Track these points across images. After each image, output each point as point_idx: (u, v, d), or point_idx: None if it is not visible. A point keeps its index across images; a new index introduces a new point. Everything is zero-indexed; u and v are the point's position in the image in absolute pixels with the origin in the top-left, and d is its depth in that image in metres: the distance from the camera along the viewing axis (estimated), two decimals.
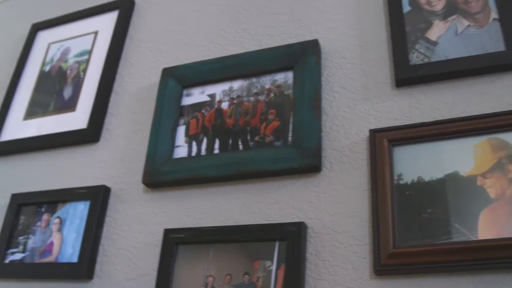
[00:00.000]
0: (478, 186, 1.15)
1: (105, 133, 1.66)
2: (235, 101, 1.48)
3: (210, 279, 1.28)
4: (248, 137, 1.41)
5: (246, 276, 1.25)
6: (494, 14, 1.34)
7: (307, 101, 1.36)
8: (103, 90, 1.70)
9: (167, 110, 1.53)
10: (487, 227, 1.11)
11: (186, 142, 1.49)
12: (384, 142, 1.25)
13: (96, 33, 1.87)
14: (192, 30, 1.73)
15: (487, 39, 1.31)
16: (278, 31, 1.58)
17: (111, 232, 1.49)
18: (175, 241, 1.35)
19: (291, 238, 1.23)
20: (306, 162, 1.29)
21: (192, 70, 1.57)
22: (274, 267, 1.23)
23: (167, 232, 1.37)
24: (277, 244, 1.25)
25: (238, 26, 1.65)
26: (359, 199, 1.25)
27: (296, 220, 1.28)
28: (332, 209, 1.26)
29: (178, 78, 1.58)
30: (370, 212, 1.22)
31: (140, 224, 1.46)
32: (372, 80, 1.38)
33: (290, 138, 1.35)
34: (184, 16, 1.77)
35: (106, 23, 1.86)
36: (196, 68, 1.57)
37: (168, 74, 1.59)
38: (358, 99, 1.37)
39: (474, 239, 1.10)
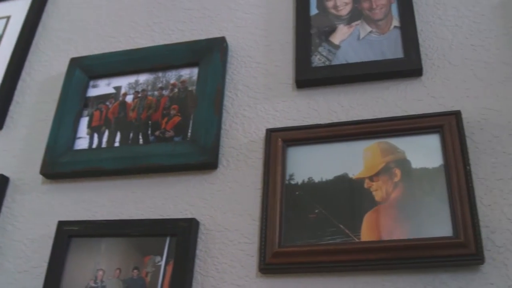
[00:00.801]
0: (365, 189, 1.17)
1: (8, 121, 1.61)
2: (139, 95, 1.46)
3: (100, 273, 1.26)
4: (149, 132, 1.39)
5: (135, 270, 1.23)
6: (395, 22, 1.37)
7: (208, 98, 1.36)
8: (10, 77, 1.65)
9: (71, 101, 1.50)
10: (369, 229, 1.13)
11: (88, 133, 1.46)
12: (279, 142, 1.26)
13: (8, 18, 1.81)
14: (105, 20, 1.70)
15: (386, 46, 1.34)
16: (188, 27, 1.57)
17: (6, 223, 1.44)
18: (68, 234, 1.32)
19: (181, 234, 1.22)
20: (202, 158, 1.29)
21: (100, 61, 1.55)
22: (163, 263, 1.22)
23: (61, 225, 1.34)
24: (167, 240, 1.24)
25: (151, 19, 1.63)
26: (252, 198, 1.25)
27: (189, 216, 1.27)
28: (225, 206, 1.26)
29: (85, 69, 1.55)
30: (261, 211, 1.22)
31: (36, 215, 1.42)
32: (274, 80, 1.39)
33: (189, 134, 1.34)
34: (99, 6, 1.74)
35: (20, 8, 1.81)
36: (103, 60, 1.55)
37: (76, 64, 1.56)
38: (259, 98, 1.38)
39: (357, 240, 1.12)
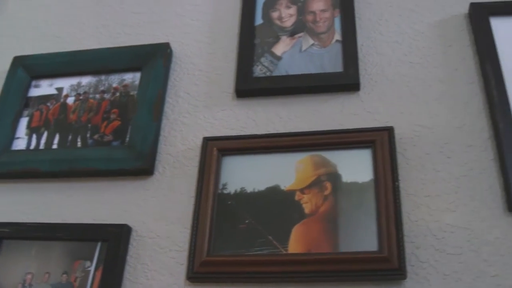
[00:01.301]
0: (296, 201, 1.18)
1: None
2: (81, 97, 1.45)
3: (29, 276, 1.24)
4: (88, 135, 1.38)
5: (64, 275, 1.22)
6: (337, 36, 1.38)
7: (148, 104, 1.36)
8: None
9: (12, 100, 1.48)
10: (297, 241, 1.14)
11: (26, 134, 1.44)
12: (214, 151, 1.26)
13: None
14: (53, 20, 1.68)
15: (327, 59, 1.35)
16: (136, 31, 1.56)
17: None
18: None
19: (112, 239, 1.22)
20: (137, 164, 1.29)
21: (43, 61, 1.53)
22: (92, 268, 1.21)
23: None
24: (99, 245, 1.23)
25: (99, 21, 1.62)
26: (185, 206, 1.25)
27: (123, 222, 1.27)
28: (159, 213, 1.26)
29: (28, 68, 1.53)
30: (192, 219, 1.22)
31: None
32: (215, 88, 1.40)
33: (127, 139, 1.34)
34: (48, 5, 1.73)
35: None
36: (47, 60, 1.53)
37: (18, 63, 1.54)
38: (199, 106, 1.38)
39: (284, 252, 1.13)
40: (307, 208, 1.17)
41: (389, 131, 1.22)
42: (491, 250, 1.11)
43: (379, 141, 1.20)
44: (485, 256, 1.11)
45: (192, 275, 1.15)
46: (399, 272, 1.07)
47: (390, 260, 1.08)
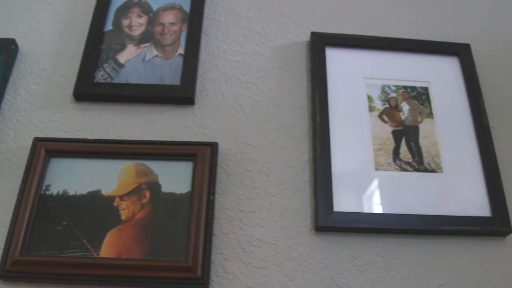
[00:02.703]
0: (114, 207, 1.22)
1: None
2: None
3: None
4: None
5: None
6: (181, 50, 1.44)
7: None
8: None
9: None
10: (110, 246, 1.18)
11: None
12: (42, 151, 1.28)
13: None
14: None
15: (168, 71, 1.40)
16: None
17: None
18: None
19: None
20: None
21: None
22: None
23: None
24: None
25: None
26: (8, 204, 1.26)
27: None
28: None
29: None
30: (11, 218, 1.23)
31: None
32: (56, 89, 1.41)
33: None
34: None
35: None
36: None
37: None
38: (37, 105, 1.39)
39: (96, 256, 1.17)
40: (124, 214, 1.21)
41: (212, 146, 1.28)
42: (294, 266, 1.20)
43: (200, 155, 1.27)
44: (288, 271, 1.20)
45: (3, 274, 1.16)
46: (201, 281, 1.14)
47: (193, 270, 1.14)
